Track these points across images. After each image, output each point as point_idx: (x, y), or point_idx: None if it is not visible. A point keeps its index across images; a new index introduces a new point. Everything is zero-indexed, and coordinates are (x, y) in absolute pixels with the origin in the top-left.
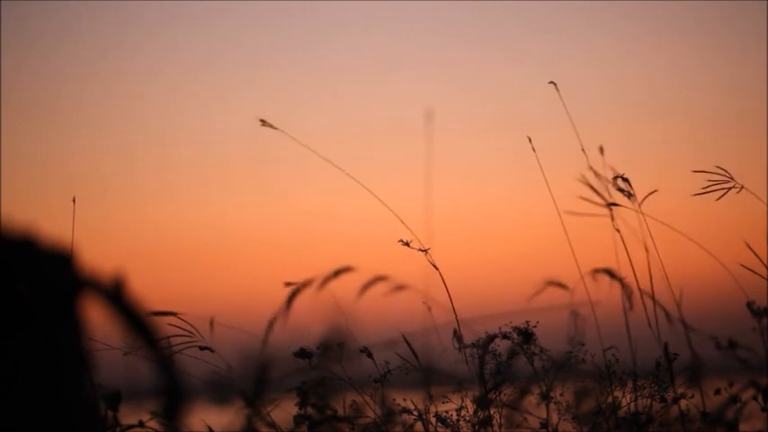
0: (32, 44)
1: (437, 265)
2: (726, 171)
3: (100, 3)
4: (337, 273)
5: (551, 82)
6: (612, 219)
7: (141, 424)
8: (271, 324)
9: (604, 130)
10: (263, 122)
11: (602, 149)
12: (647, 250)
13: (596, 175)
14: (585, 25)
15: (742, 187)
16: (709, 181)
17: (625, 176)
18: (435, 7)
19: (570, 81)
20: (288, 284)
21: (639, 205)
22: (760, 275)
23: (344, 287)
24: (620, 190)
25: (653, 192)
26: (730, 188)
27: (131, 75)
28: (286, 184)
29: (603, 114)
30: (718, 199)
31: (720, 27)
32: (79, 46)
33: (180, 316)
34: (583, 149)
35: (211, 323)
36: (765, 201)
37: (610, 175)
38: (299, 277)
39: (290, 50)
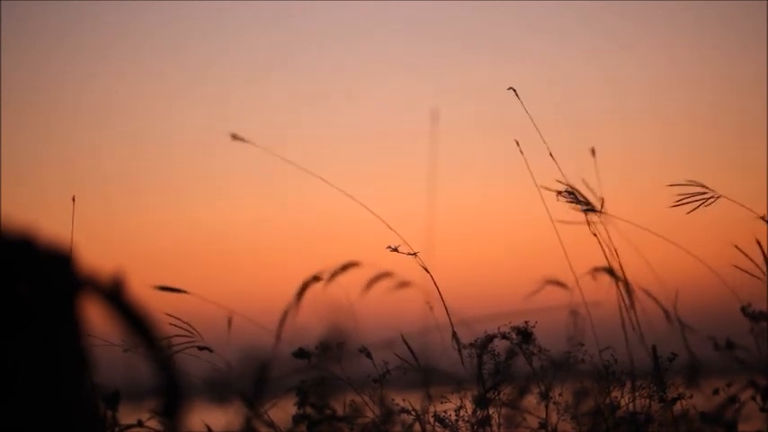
0: (32, 44)
1: (430, 266)
2: (701, 184)
3: (101, 2)
4: (344, 267)
5: (510, 88)
6: (589, 224)
7: (140, 423)
8: (283, 317)
9: (602, 131)
10: (235, 137)
11: (593, 151)
12: (616, 255)
13: (565, 183)
14: (584, 26)
15: (719, 197)
16: (682, 194)
17: (571, 189)
18: (433, 9)
19: (569, 82)
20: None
21: (600, 213)
22: (756, 277)
23: (347, 286)
24: (575, 201)
25: (602, 201)
26: (706, 199)
27: (132, 74)
28: (286, 184)
29: (601, 115)
30: (690, 212)
31: (720, 27)
32: (79, 45)
33: (188, 295)
34: (551, 154)
35: (229, 321)
36: (747, 206)
37: (581, 184)
38: (301, 276)
39: (292, 52)
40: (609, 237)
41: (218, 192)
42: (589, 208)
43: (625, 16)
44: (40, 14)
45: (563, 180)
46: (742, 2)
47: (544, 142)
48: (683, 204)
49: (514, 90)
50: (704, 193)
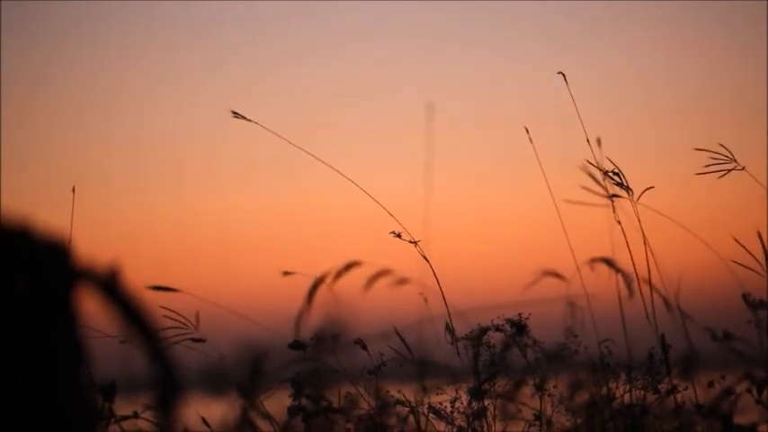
0: (36, 33)
1: (428, 257)
2: (728, 151)
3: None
4: (348, 267)
5: (560, 72)
6: (614, 211)
7: (136, 415)
8: (298, 320)
9: (603, 126)
10: (236, 114)
11: (599, 141)
12: (645, 243)
13: (596, 167)
14: (583, 24)
15: (743, 168)
16: (712, 158)
17: (617, 171)
18: (433, 7)
19: (568, 79)
20: (285, 273)
21: (637, 199)
22: (755, 271)
23: (345, 279)
24: (618, 184)
25: (649, 188)
26: (732, 168)
27: (133, 69)
28: (285, 176)
29: (602, 112)
30: (720, 177)
31: (720, 27)
32: (84, 36)
33: (181, 293)
34: (588, 140)
35: (197, 317)
36: (765, 186)
37: (608, 167)
38: (297, 268)
39: (293, 48)
40: (638, 223)
41: (218, 183)
42: (615, 194)
43: (624, 16)
44: (44, 3)
45: (596, 165)
46: (742, 2)
47: (584, 130)
48: (709, 173)
49: (563, 75)
50: (730, 162)
